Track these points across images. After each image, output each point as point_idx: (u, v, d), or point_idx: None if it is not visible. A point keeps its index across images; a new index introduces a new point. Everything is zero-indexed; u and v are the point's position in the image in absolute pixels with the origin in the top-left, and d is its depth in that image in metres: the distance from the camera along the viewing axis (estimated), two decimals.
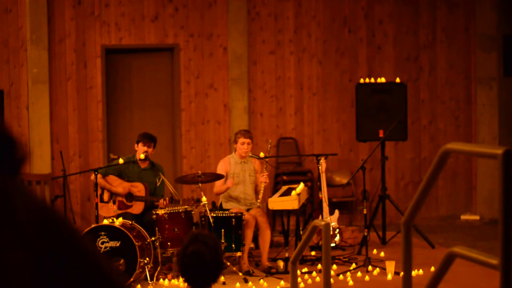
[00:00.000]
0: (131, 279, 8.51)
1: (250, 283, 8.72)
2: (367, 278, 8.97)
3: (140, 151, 9.55)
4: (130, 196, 9.57)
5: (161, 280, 8.85)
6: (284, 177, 12.04)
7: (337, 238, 10.51)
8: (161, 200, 9.28)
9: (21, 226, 1.62)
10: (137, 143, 9.66)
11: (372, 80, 11.09)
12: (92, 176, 9.47)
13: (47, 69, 11.50)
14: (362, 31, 12.59)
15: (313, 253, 10.15)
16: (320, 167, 9.87)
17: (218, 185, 9.70)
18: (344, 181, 11.97)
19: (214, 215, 9.08)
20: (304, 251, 5.45)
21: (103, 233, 8.58)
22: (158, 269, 8.91)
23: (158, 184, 9.65)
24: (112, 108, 11.97)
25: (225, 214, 9.18)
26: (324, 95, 12.50)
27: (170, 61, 12.15)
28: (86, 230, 8.70)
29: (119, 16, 11.80)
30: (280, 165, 12.37)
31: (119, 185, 9.59)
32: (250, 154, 9.81)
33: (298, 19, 12.40)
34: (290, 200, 9.20)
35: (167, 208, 9.10)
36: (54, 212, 1.71)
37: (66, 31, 11.64)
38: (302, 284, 8.66)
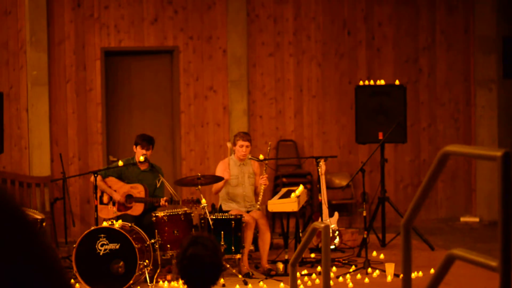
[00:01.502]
0: (131, 281, 8.51)
1: (249, 285, 8.72)
2: (366, 280, 8.96)
3: (139, 154, 9.55)
4: (129, 198, 9.57)
5: (161, 282, 8.85)
6: (284, 179, 12.04)
7: (336, 240, 10.50)
8: (161, 200, 9.29)
9: None
10: (136, 145, 9.66)
11: (372, 82, 11.09)
12: (92, 178, 9.47)
13: (47, 71, 11.50)
14: (362, 33, 12.60)
15: (312, 255, 10.14)
16: (319, 169, 9.87)
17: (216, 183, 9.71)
18: (344, 183, 11.97)
19: (214, 217, 9.08)
20: (303, 253, 5.45)
21: (102, 235, 8.57)
22: (158, 271, 8.91)
23: (157, 185, 9.65)
24: (111, 110, 11.97)
25: (224, 216, 9.18)
26: (324, 97, 12.50)
27: (169, 63, 12.15)
28: (85, 232, 8.69)
29: (119, 18, 11.81)
30: (279, 167, 12.37)
31: (119, 188, 9.59)
32: (250, 157, 9.80)
33: (298, 21, 12.40)
34: (290, 202, 9.20)
35: (166, 211, 9.09)
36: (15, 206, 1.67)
37: (66, 33, 11.64)
38: (301, 286, 8.66)
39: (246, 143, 9.69)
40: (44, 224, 9.74)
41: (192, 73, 12.09)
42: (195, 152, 12.12)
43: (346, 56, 12.56)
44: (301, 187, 9.70)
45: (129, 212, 9.51)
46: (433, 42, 12.83)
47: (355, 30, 12.58)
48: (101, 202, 9.54)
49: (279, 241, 10.83)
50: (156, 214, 9.04)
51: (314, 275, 9.11)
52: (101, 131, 11.75)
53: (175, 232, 8.99)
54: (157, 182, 9.64)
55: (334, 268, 9.42)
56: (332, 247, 10.41)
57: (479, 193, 12.88)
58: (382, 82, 11.09)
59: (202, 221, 9.13)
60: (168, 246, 8.97)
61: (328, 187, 11.01)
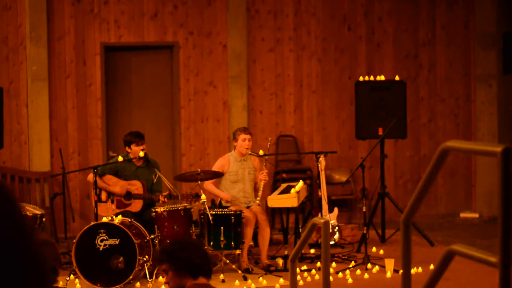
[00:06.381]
0: (130, 277, 8.52)
1: (249, 280, 8.72)
2: (366, 276, 8.97)
3: (136, 151, 9.49)
4: (128, 195, 9.56)
5: (160, 277, 8.86)
6: (284, 175, 12.03)
7: (336, 236, 10.50)
8: (160, 196, 9.27)
9: None
10: (128, 145, 9.54)
11: (372, 77, 11.08)
12: (89, 176, 9.45)
13: (47, 67, 11.50)
14: (362, 28, 12.59)
15: (312, 251, 10.15)
16: (319, 165, 9.87)
17: (210, 181, 9.67)
18: (344, 179, 11.97)
19: (213, 212, 9.08)
20: (303, 249, 5.45)
21: (102, 230, 8.57)
22: (157, 266, 8.91)
23: (154, 180, 9.64)
24: (111, 105, 11.96)
25: (224, 212, 9.18)
26: (324, 92, 12.50)
27: (169, 58, 12.14)
28: (85, 227, 8.70)
29: (119, 13, 11.80)
30: (279, 163, 12.37)
31: (117, 184, 9.56)
32: (250, 152, 9.80)
33: (298, 16, 12.39)
34: (290, 198, 9.20)
35: (166, 206, 9.09)
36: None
37: (66, 28, 11.63)
38: (301, 282, 8.66)
39: (248, 137, 9.70)
40: (44, 219, 9.75)
41: (192, 69, 12.08)
42: (195, 147, 12.12)
43: (346, 51, 12.55)
44: (300, 182, 9.69)
45: (127, 209, 9.50)
46: (433, 38, 12.82)
47: (355, 26, 12.57)
48: (100, 200, 9.52)
49: (279, 237, 10.83)
50: (156, 210, 9.03)
51: (313, 271, 9.12)
52: (101, 127, 11.75)
53: (175, 227, 9.00)
54: (153, 177, 9.63)
55: (333, 264, 9.42)
56: (332, 242, 10.41)
57: (479, 188, 12.88)
58: (382, 77, 11.08)
59: (202, 216, 9.13)
60: (168, 241, 8.97)
61: (328, 183, 11.01)
